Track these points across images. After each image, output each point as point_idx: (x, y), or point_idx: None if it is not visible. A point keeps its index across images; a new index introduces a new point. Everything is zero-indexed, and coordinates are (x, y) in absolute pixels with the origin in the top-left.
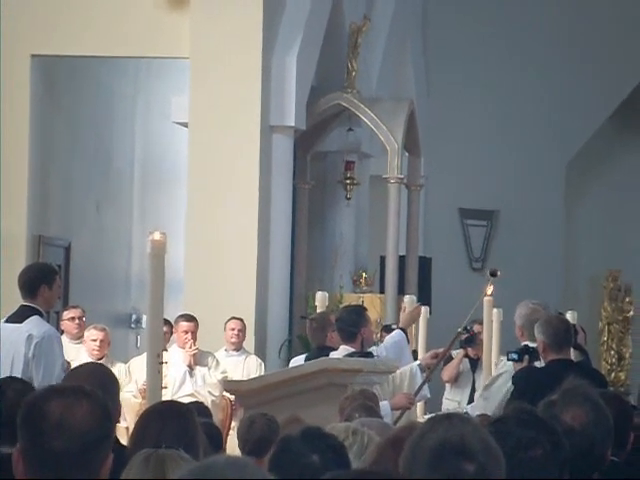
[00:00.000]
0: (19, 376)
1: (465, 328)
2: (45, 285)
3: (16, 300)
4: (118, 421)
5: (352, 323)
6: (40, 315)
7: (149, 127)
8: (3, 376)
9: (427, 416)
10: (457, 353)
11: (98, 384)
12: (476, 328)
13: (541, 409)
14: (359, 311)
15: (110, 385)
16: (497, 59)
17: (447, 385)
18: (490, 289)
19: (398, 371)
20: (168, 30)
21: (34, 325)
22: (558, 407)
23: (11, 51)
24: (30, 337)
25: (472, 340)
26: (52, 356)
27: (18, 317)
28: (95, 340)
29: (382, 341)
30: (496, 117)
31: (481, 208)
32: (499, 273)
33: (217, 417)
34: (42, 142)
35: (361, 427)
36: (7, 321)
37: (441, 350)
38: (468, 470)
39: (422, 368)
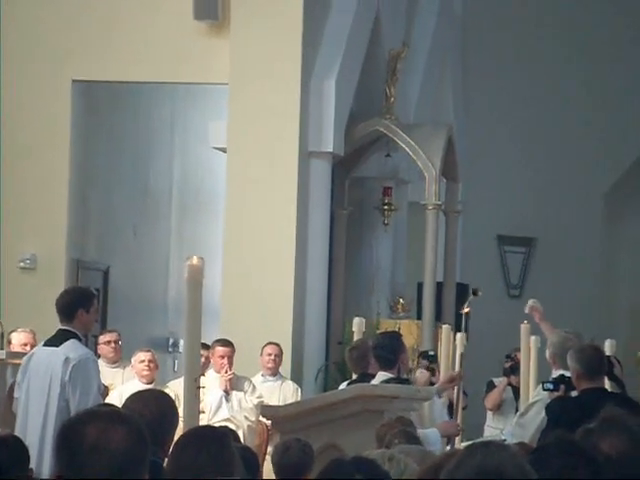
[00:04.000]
0: (55, 400)
1: (508, 355)
2: (82, 309)
3: (55, 324)
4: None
5: (390, 350)
6: (77, 339)
7: (187, 152)
8: (40, 399)
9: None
10: (500, 381)
11: (158, 410)
12: (519, 356)
13: (578, 437)
14: (396, 337)
15: (170, 413)
16: (535, 86)
17: (489, 413)
18: (467, 307)
19: None
20: (207, 56)
21: (71, 349)
22: (596, 435)
23: (53, 76)
24: (67, 360)
25: (516, 368)
26: (88, 379)
27: (56, 341)
28: (144, 361)
29: (419, 368)
30: (535, 143)
31: (519, 235)
32: (480, 293)
33: (253, 442)
34: (82, 167)
35: (398, 454)
36: (45, 345)
37: (456, 372)
38: None
39: (439, 393)
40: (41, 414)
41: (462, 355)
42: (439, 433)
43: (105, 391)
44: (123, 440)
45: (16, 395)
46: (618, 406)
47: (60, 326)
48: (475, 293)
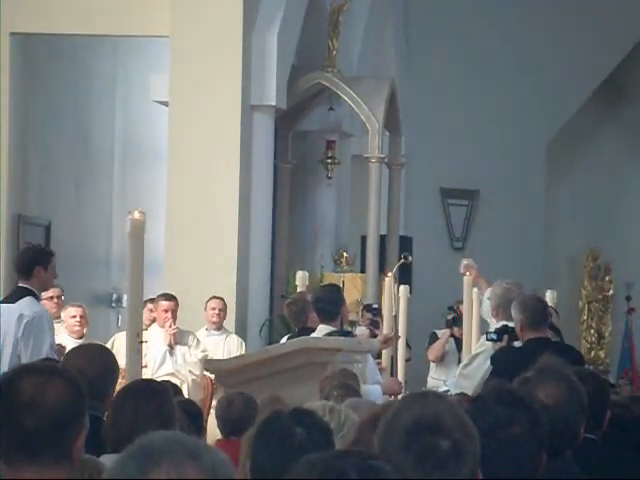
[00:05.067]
0: (8, 357)
1: (451, 307)
2: (40, 266)
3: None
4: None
5: (331, 302)
6: (34, 296)
7: (129, 106)
8: None
9: None
10: (443, 333)
11: (100, 365)
12: (462, 308)
13: (515, 387)
14: (337, 290)
15: (110, 368)
16: (479, 37)
17: (432, 364)
18: (395, 271)
19: None
20: (148, 8)
21: (26, 305)
22: (532, 384)
23: None
24: (21, 317)
25: (458, 320)
26: (41, 336)
27: (12, 298)
28: (74, 316)
29: (363, 321)
30: (477, 96)
31: (462, 187)
32: (410, 258)
33: (198, 396)
34: (21, 121)
35: (337, 405)
36: (2, 302)
37: (391, 334)
38: (442, 446)
39: (373, 354)
40: None
41: (396, 316)
42: (381, 390)
43: (61, 350)
44: (60, 394)
45: None
46: (561, 354)
47: (19, 284)
48: (406, 258)
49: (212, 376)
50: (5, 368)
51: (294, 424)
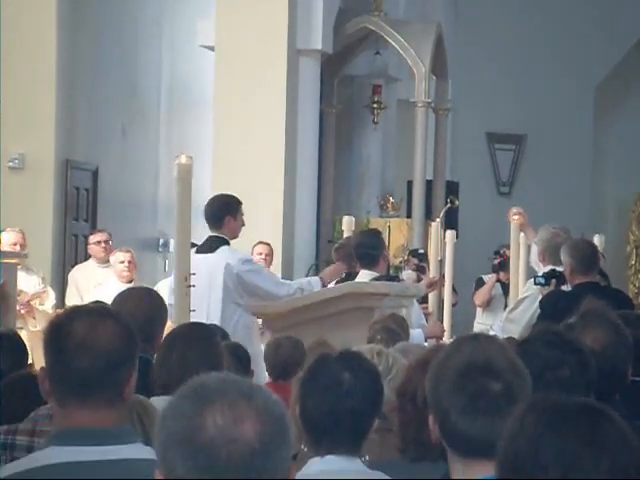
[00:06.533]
0: (218, 304)
1: (497, 252)
2: (230, 216)
3: (41, 223)
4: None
5: (373, 246)
6: (227, 244)
7: (175, 50)
8: (200, 306)
9: None
10: (489, 278)
11: (148, 308)
12: (508, 252)
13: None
14: (377, 234)
15: (159, 310)
16: None
17: (479, 309)
18: (443, 215)
19: None
20: None
21: (229, 254)
22: (577, 329)
23: None
24: (228, 266)
25: (504, 265)
26: (261, 272)
27: (208, 247)
28: (123, 262)
29: (409, 266)
30: (525, 40)
31: (509, 132)
32: (457, 202)
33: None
34: (68, 66)
35: (385, 348)
36: (198, 252)
37: (435, 278)
38: (494, 388)
39: (419, 299)
40: (203, 315)
41: (441, 261)
42: (424, 334)
43: None
44: (111, 336)
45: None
46: (611, 298)
47: (210, 233)
48: (452, 203)
49: (259, 320)
50: (217, 319)
51: (342, 369)
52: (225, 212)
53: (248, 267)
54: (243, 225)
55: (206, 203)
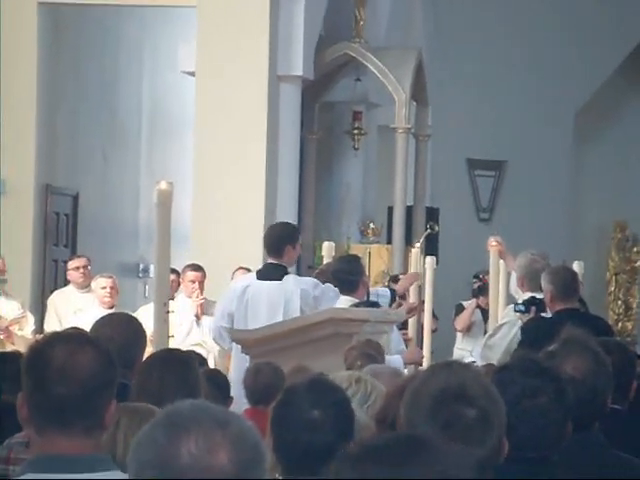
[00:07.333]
0: None
1: (476, 276)
2: (289, 245)
3: (21, 249)
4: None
5: (352, 272)
6: (287, 272)
7: (156, 76)
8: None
9: None
10: (469, 303)
11: (127, 334)
12: (487, 277)
13: (541, 357)
14: (356, 260)
15: (138, 336)
16: (507, 6)
17: (459, 335)
18: (422, 242)
19: None
20: None
21: (297, 281)
22: (558, 357)
23: None
24: (305, 291)
25: (483, 289)
26: (327, 291)
27: (270, 275)
28: (105, 287)
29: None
30: (505, 67)
31: (489, 158)
32: (437, 228)
33: (224, 366)
34: (49, 90)
35: (364, 375)
36: (259, 278)
37: (415, 304)
38: (469, 414)
39: (399, 325)
40: None
41: (420, 286)
42: (402, 360)
43: None
44: (91, 363)
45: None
46: (591, 325)
47: (269, 260)
48: (432, 229)
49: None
50: None
51: (310, 406)
52: (286, 241)
53: (320, 290)
54: (299, 254)
55: (266, 231)
